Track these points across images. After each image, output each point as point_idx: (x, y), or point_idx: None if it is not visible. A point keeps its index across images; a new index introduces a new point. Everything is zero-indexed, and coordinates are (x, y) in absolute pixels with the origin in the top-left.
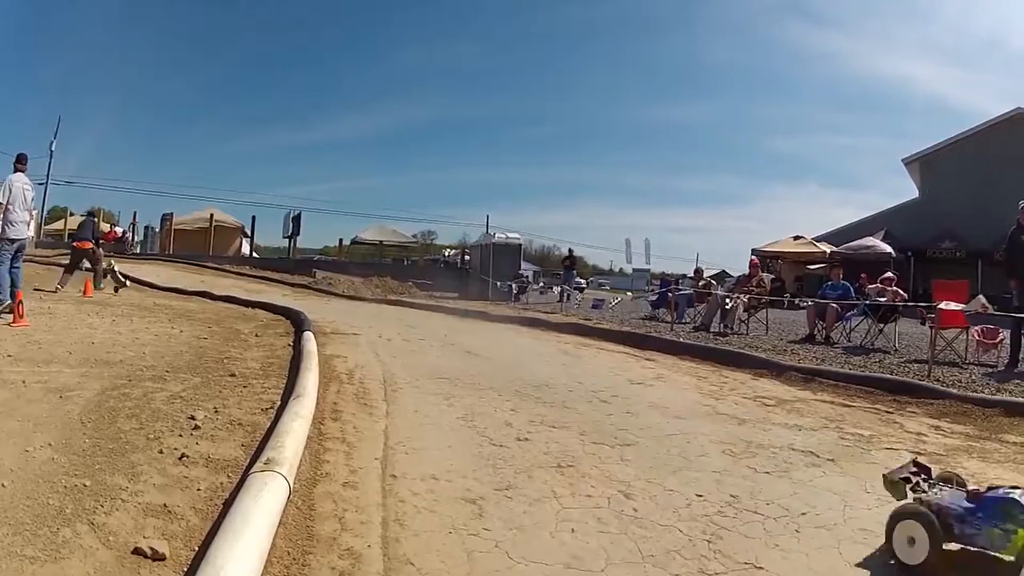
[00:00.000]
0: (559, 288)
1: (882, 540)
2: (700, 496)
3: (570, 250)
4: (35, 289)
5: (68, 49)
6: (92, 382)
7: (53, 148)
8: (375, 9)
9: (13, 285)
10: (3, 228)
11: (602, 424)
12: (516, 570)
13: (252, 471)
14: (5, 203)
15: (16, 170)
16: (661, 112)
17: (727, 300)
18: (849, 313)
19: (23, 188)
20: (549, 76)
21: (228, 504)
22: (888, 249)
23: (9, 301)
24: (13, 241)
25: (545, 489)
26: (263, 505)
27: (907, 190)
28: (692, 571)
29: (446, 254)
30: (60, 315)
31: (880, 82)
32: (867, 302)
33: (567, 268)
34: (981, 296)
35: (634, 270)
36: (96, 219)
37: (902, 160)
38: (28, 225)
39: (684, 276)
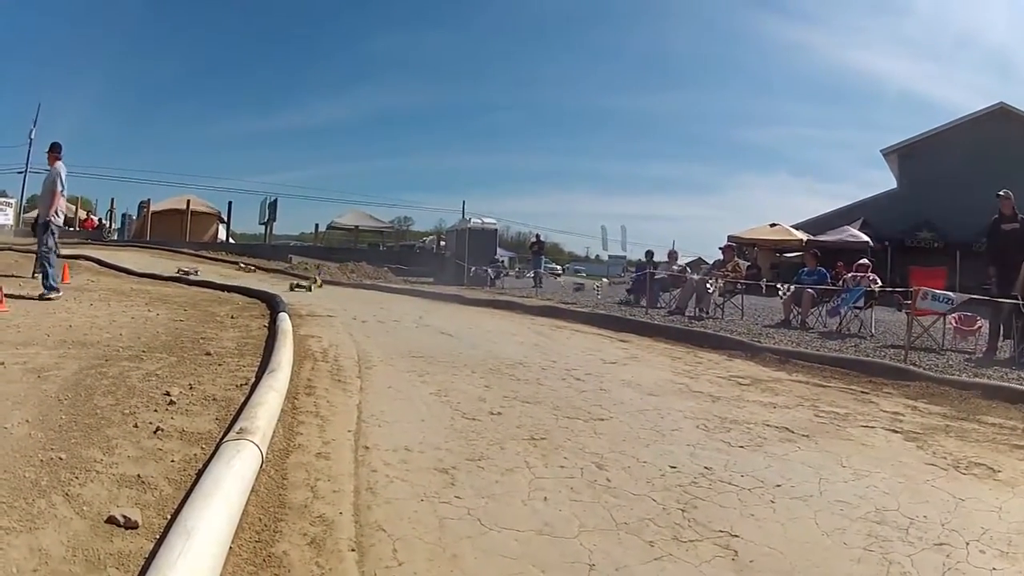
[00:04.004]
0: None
1: (860, 511)
2: (674, 467)
3: (537, 235)
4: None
5: (44, 33)
6: (70, 362)
7: (33, 136)
8: None
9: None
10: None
11: (575, 400)
12: (488, 536)
13: (225, 440)
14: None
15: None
16: (634, 100)
17: (707, 282)
18: (838, 304)
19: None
20: (523, 64)
21: (200, 472)
22: (865, 238)
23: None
24: None
25: (518, 460)
26: (235, 471)
27: (878, 182)
28: (666, 538)
29: (423, 242)
30: (38, 300)
31: (852, 75)
32: (853, 289)
33: (535, 253)
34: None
35: (610, 256)
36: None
37: (880, 151)
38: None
39: (660, 262)
